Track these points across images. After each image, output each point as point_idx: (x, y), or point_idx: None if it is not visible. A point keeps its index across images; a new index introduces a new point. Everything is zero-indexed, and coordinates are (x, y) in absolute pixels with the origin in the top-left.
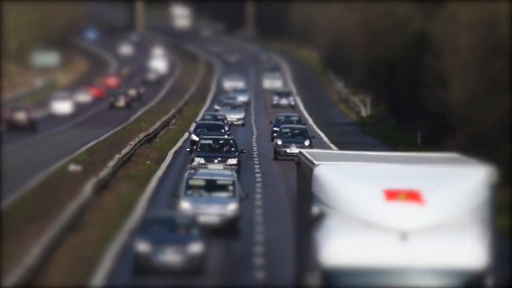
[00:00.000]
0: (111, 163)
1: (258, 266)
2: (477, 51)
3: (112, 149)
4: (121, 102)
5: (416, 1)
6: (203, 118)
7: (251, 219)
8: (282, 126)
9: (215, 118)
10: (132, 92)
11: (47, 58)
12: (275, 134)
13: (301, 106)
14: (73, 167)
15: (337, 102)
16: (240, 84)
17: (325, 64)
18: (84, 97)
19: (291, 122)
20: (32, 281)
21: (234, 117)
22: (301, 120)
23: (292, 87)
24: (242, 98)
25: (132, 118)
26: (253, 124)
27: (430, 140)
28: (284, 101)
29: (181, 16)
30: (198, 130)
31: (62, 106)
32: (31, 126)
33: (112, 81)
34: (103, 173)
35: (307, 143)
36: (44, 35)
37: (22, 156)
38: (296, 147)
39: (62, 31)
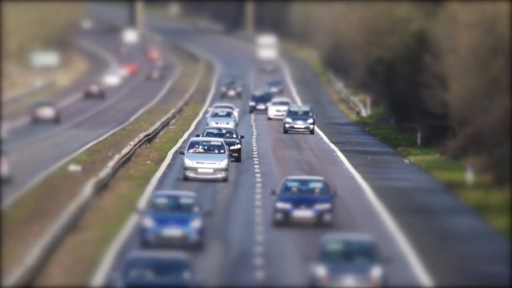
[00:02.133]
0: (111, 163)
1: (258, 266)
2: (477, 51)
3: (111, 149)
4: (155, 75)
5: (416, 1)
6: (153, 204)
7: (251, 219)
8: (327, 240)
9: (177, 204)
10: (160, 64)
11: (47, 58)
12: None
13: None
14: (73, 167)
15: (337, 102)
16: (228, 125)
17: (325, 64)
18: (123, 72)
19: (310, 192)
20: (32, 281)
21: (210, 166)
22: (328, 189)
23: (294, 91)
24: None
25: (132, 118)
26: (253, 124)
27: (430, 140)
28: (300, 124)
29: (267, 46)
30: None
31: (112, 79)
32: (101, 94)
33: (154, 54)
34: (103, 173)
35: (376, 272)
36: (44, 35)
37: (22, 156)
38: (355, 281)
39: (62, 31)
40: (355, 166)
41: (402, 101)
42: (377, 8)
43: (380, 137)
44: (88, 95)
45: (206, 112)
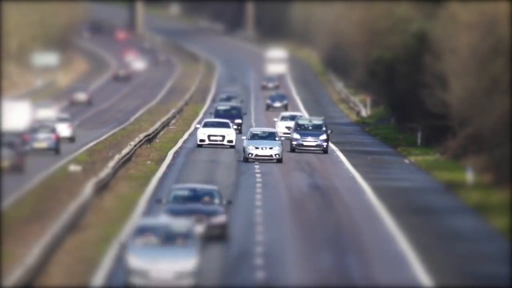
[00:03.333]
0: (111, 163)
1: (258, 266)
2: (477, 51)
3: (112, 149)
4: (162, 57)
5: (416, 1)
6: None
7: (251, 219)
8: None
9: None
10: (147, 45)
11: (47, 58)
12: None
13: (301, 106)
14: (73, 167)
15: (337, 102)
16: (273, 150)
17: (325, 64)
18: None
19: None
20: (32, 281)
21: (169, 267)
22: None
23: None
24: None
25: (132, 118)
26: (253, 124)
27: (430, 140)
28: (310, 141)
29: (276, 60)
30: None
31: (139, 65)
32: (128, 78)
33: (121, 35)
34: (103, 173)
35: None
36: (44, 35)
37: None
38: None
39: (62, 31)
40: (355, 166)
41: (402, 101)
42: (377, 8)
43: (380, 137)
44: (116, 78)
45: (195, 128)
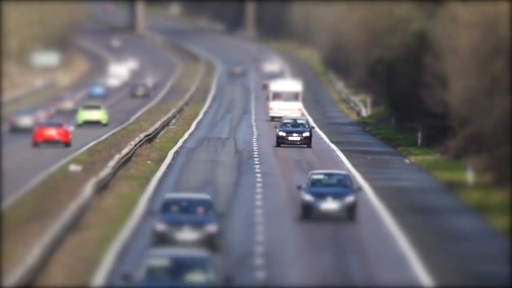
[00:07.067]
0: (112, 163)
1: (258, 266)
2: (477, 51)
3: (112, 149)
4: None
5: (417, 1)
6: None
7: (251, 219)
8: None
9: None
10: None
11: (47, 58)
12: None
13: (302, 106)
14: (73, 167)
15: (338, 102)
16: None
17: (326, 64)
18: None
19: None
20: (33, 281)
21: None
22: None
23: None
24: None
25: (132, 118)
26: (253, 124)
27: (431, 140)
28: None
29: (286, 95)
30: None
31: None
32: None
33: None
34: (103, 173)
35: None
36: (44, 35)
37: (23, 156)
38: None
39: (62, 31)
40: (355, 166)
41: (403, 101)
42: (377, 8)
43: (381, 137)
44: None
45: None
